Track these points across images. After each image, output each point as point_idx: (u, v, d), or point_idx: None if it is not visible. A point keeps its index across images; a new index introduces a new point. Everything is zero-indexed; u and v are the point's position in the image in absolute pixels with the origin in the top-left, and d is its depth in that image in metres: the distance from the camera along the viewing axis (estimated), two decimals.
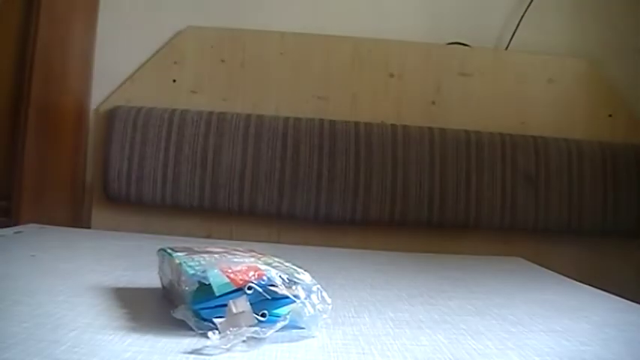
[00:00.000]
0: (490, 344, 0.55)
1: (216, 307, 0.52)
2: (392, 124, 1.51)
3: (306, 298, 0.54)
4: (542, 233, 1.51)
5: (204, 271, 0.54)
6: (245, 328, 0.49)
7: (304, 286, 0.55)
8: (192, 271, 0.55)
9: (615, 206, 1.51)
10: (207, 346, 0.48)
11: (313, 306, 0.54)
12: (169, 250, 0.65)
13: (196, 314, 0.52)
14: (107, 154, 1.46)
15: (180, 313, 0.53)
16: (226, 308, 0.51)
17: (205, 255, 0.61)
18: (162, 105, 1.51)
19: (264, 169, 1.44)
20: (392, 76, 1.59)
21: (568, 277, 1.00)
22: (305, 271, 0.57)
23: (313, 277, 0.57)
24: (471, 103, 1.59)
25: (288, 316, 0.52)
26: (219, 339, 0.48)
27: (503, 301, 0.77)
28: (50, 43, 1.41)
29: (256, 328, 0.50)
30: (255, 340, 0.50)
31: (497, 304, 0.74)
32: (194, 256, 0.60)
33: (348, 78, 1.57)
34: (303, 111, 1.52)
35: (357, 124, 1.49)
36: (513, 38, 1.63)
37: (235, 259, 0.59)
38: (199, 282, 0.53)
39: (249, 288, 0.53)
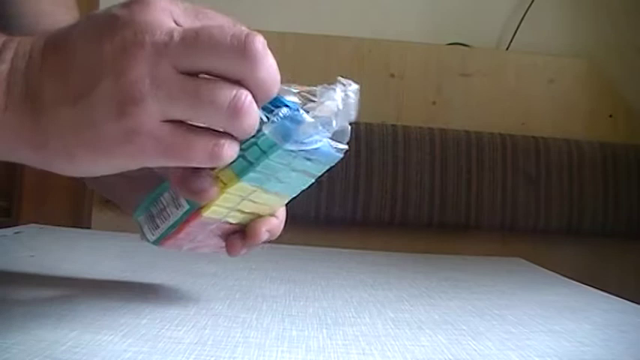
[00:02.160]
0: (491, 345, 0.55)
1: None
2: (392, 125, 1.51)
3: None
4: (542, 234, 1.52)
5: None
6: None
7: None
8: None
9: (616, 207, 1.51)
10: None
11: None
12: None
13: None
14: None
15: None
16: None
17: None
18: None
19: None
20: (392, 76, 1.59)
21: (568, 277, 1.00)
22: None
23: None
24: (471, 103, 1.59)
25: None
26: None
27: (503, 301, 0.77)
28: None
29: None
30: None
31: (497, 305, 0.74)
32: None
33: (349, 78, 1.57)
34: None
35: (357, 124, 1.49)
36: (514, 39, 1.63)
37: None
38: None
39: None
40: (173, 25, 0.43)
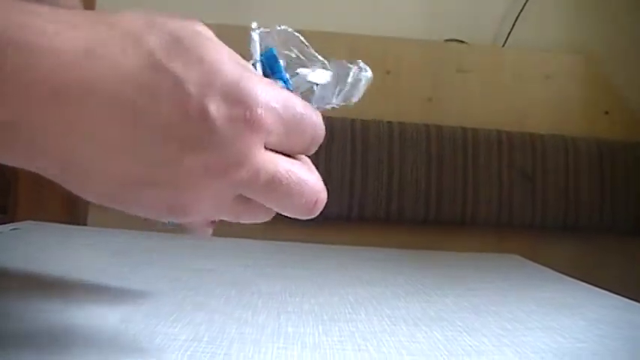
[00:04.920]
0: (486, 341, 0.55)
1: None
2: (388, 121, 1.51)
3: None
4: (538, 230, 1.52)
5: None
6: None
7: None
8: None
9: (612, 203, 1.51)
10: None
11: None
12: None
13: None
14: None
15: None
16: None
17: None
18: None
19: None
20: (388, 73, 1.59)
21: (565, 274, 1.01)
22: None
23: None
24: (467, 99, 1.59)
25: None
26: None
27: (499, 298, 0.77)
28: None
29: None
30: None
31: (493, 301, 0.74)
32: None
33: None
34: None
35: (353, 121, 1.49)
36: (510, 35, 1.63)
37: None
38: None
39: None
40: (261, 157, 0.39)
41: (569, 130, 1.57)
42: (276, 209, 0.42)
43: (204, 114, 0.37)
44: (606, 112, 1.61)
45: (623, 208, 1.51)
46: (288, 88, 0.46)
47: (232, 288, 0.71)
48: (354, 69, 0.50)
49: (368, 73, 0.50)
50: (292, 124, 0.41)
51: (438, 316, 0.64)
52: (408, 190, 1.47)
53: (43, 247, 0.92)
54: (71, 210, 1.53)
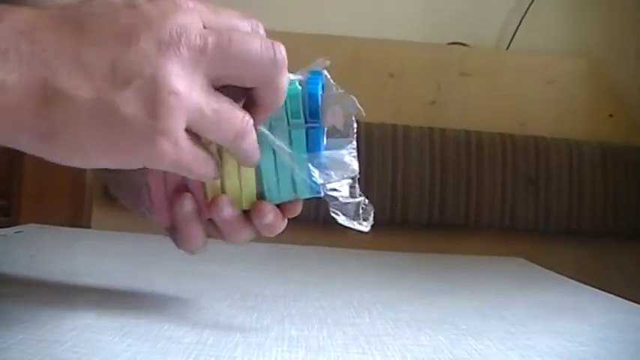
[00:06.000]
0: (490, 344, 0.55)
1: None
2: (392, 124, 1.51)
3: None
4: (542, 234, 1.51)
5: None
6: None
7: None
8: None
9: (616, 207, 1.51)
10: None
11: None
12: None
13: None
14: None
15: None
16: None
17: None
18: None
19: None
20: (392, 76, 1.59)
21: (569, 277, 1.00)
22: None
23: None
24: (471, 103, 1.59)
25: None
26: None
27: (503, 301, 0.77)
28: None
29: None
30: None
31: (497, 305, 0.74)
32: None
33: (348, 78, 1.56)
34: None
35: (356, 124, 1.49)
36: (514, 38, 1.63)
37: None
38: None
39: None
40: (202, 27, 0.43)
41: (573, 133, 1.57)
42: (242, 67, 0.44)
43: (137, 5, 0.42)
44: (610, 115, 1.61)
45: (627, 211, 1.51)
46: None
47: (236, 291, 0.71)
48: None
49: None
50: (213, 7, 0.45)
51: (442, 320, 0.64)
52: (411, 193, 1.47)
53: (46, 250, 0.92)
54: (75, 213, 1.53)
